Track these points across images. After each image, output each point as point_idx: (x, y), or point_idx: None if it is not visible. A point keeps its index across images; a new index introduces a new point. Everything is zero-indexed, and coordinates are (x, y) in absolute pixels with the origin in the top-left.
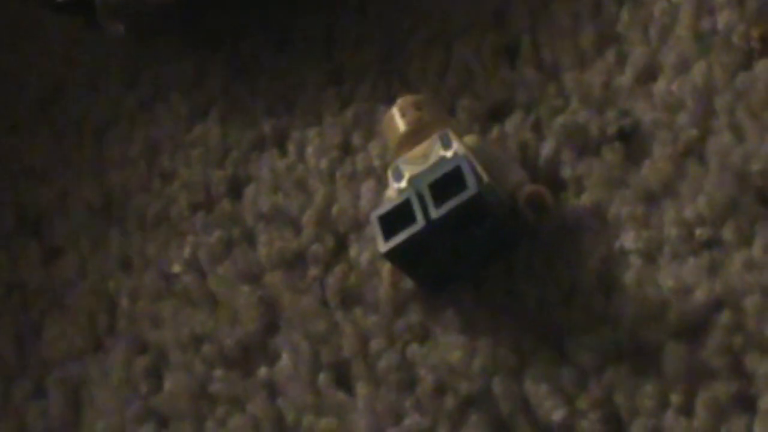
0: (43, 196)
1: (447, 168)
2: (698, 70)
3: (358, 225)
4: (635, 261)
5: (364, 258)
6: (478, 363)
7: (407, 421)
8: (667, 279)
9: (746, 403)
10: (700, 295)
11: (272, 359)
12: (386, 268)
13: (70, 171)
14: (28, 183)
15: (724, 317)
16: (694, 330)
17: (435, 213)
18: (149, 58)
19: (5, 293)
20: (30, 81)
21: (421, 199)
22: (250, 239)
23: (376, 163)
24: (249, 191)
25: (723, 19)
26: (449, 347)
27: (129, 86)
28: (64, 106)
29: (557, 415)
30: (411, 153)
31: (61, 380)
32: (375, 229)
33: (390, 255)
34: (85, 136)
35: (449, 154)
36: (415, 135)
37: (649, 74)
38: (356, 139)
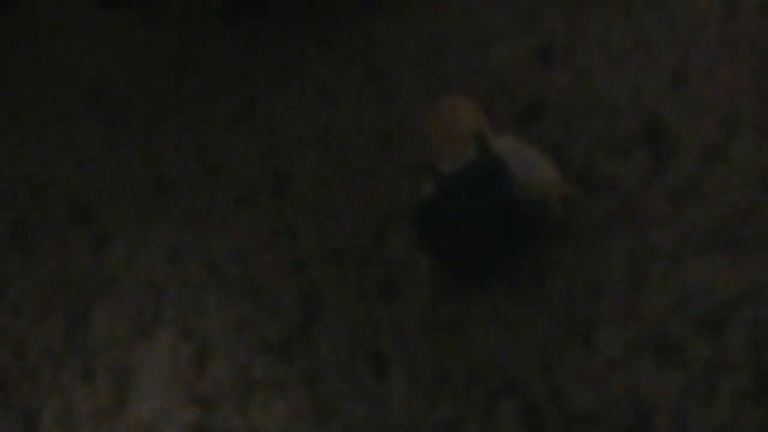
0: (92, 185)
1: (481, 166)
2: (725, 74)
3: (397, 219)
4: (662, 257)
5: (402, 251)
6: (510, 354)
7: (441, 410)
8: (692, 275)
9: (767, 395)
10: (723, 290)
11: (313, 348)
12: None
13: (120, 162)
14: (79, 173)
15: (746, 312)
16: (717, 324)
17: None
18: (197, 55)
19: (55, 280)
20: (82, 75)
21: (456, 195)
22: (292, 232)
23: (415, 160)
24: (292, 185)
25: (750, 25)
26: (482, 339)
27: (177, 82)
28: (114, 100)
29: (585, 404)
30: (447, 151)
31: (108, 365)
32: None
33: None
34: (134, 130)
35: (484, 153)
36: (451, 134)
37: (677, 78)
38: (396, 138)
